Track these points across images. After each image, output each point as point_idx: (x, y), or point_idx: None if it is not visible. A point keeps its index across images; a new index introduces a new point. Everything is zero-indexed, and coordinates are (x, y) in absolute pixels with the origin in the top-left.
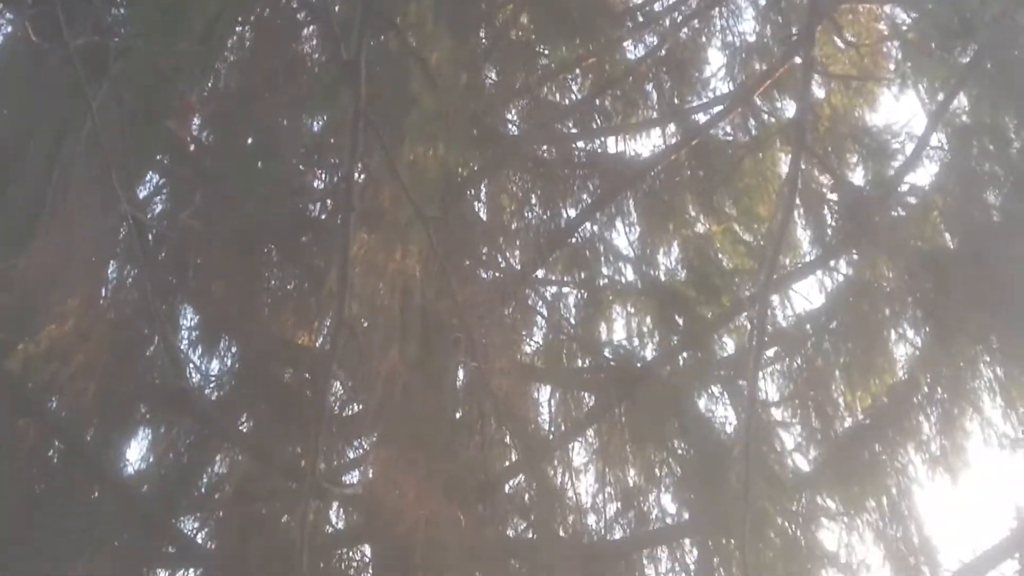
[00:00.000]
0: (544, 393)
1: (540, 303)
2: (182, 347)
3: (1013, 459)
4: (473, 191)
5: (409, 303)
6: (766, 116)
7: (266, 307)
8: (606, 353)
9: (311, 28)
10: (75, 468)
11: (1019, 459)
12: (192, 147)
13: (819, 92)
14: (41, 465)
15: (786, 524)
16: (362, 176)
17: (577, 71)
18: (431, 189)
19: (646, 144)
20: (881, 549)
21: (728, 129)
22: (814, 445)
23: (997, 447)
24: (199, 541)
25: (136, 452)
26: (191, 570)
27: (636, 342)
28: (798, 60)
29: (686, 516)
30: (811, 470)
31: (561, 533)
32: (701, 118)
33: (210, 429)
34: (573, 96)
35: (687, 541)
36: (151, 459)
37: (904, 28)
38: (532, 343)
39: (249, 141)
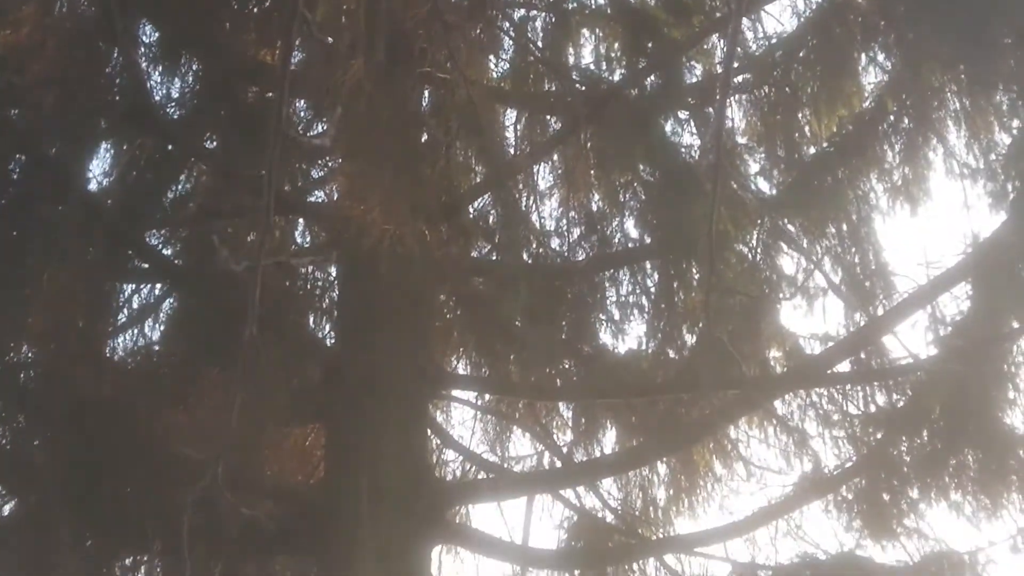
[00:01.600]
0: (510, 116)
1: (507, 25)
2: (142, 64)
3: (973, 189)
4: None
5: (375, 9)
6: None
7: (228, 24)
8: (573, 76)
9: None
10: (38, 180)
11: (979, 189)
12: None
13: None
14: (2, 177)
15: (746, 247)
16: None
17: None
18: None
19: None
20: (838, 274)
21: None
22: (778, 171)
23: (958, 177)
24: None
25: (99, 169)
26: (157, 286)
27: (604, 66)
28: None
29: (648, 241)
30: (774, 195)
31: (525, 255)
32: None
33: (174, 146)
34: None
35: (648, 264)
36: (114, 176)
37: None
38: (499, 66)
39: None
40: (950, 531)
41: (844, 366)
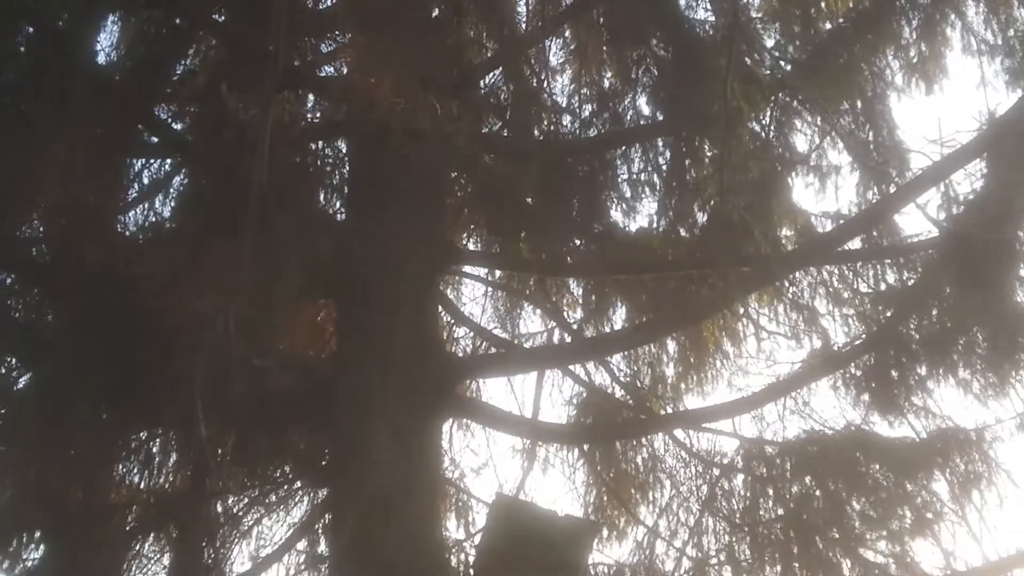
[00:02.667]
0: None
1: None
2: None
3: (990, 66)
4: None
5: None
6: None
7: None
8: None
9: None
10: (45, 54)
11: (996, 66)
12: None
13: None
14: (8, 50)
15: (759, 124)
16: None
17: None
18: None
19: None
20: (853, 151)
21: None
22: (793, 47)
23: (976, 54)
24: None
25: (107, 42)
26: (167, 160)
27: None
28: None
29: (660, 117)
30: (788, 71)
31: (536, 132)
32: None
33: (182, 19)
34: None
35: (660, 141)
36: (122, 49)
37: None
38: None
39: None
40: (957, 409)
41: (855, 243)
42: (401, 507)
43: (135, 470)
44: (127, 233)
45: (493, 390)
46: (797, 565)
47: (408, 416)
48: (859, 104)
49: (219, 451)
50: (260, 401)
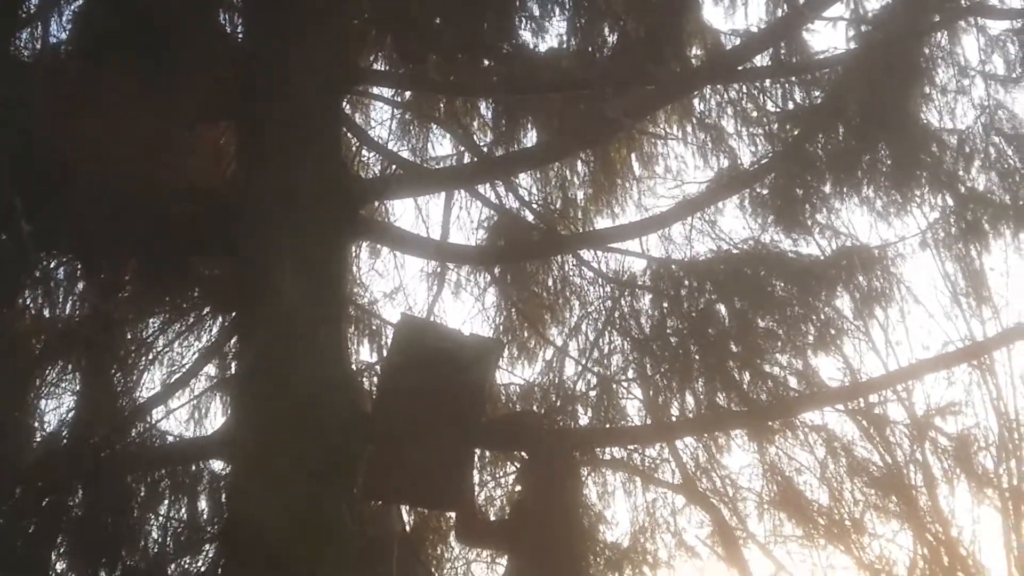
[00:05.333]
0: None
1: None
2: None
3: None
4: None
5: None
6: None
7: None
8: None
9: None
10: None
11: None
12: None
13: None
14: None
15: None
16: None
17: None
18: None
19: None
20: None
21: None
22: None
23: None
24: None
25: None
26: None
27: None
28: None
29: None
30: None
31: None
32: None
33: None
34: None
35: None
36: None
37: None
38: None
39: None
40: (862, 228)
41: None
42: (307, 328)
43: (40, 299)
44: (20, 56)
45: (402, 217)
46: (701, 380)
47: (312, 237)
48: None
49: (124, 278)
50: (160, 227)
